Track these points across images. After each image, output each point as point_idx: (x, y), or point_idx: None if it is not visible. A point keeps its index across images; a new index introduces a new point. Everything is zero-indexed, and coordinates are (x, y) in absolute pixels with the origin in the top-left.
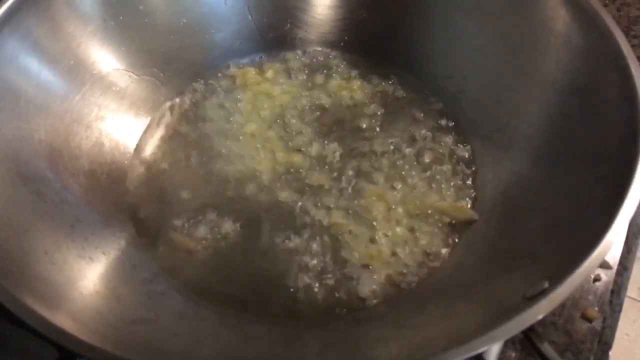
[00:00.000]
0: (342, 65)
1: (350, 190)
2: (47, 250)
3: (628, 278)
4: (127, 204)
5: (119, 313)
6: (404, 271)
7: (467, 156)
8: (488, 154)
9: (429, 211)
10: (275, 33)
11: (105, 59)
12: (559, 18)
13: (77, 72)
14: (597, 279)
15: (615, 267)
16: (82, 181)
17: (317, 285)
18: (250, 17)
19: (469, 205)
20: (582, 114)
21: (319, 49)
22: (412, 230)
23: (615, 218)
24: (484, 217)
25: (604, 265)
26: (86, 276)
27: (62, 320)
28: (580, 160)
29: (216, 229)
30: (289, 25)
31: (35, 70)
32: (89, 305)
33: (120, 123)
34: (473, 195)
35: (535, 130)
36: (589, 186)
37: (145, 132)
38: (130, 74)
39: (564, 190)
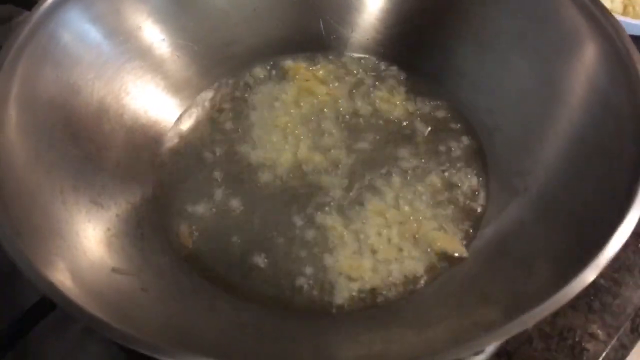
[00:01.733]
0: (392, 79)
1: (355, 199)
2: (64, 189)
3: (624, 356)
4: (154, 168)
5: (103, 261)
6: (379, 288)
7: (481, 194)
8: (501, 196)
9: (423, 237)
10: (337, 35)
11: (166, 34)
12: (604, 75)
13: (135, 45)
14: (585, 348)
15: (611, 342)
16: (121, 136)
17: (296, 281)
18: (319, 16)
19: (464, 242)
20: (596, 178)
21: (375, 59)
22: (400, 251)
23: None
24: (474, 257)
25: (594, 336)
26: (90, 220)
27: (52, 264)
28: (577, 222)
29: (220, 205)
30: (352, 30)
31: (94, 38)
32: (80, 247)
33: (167, 94)
34: (471, 232)
35: (550, 183)
36: (574, 248)
37: (190, 106)
38: (187, 48)
39: (553, 248)
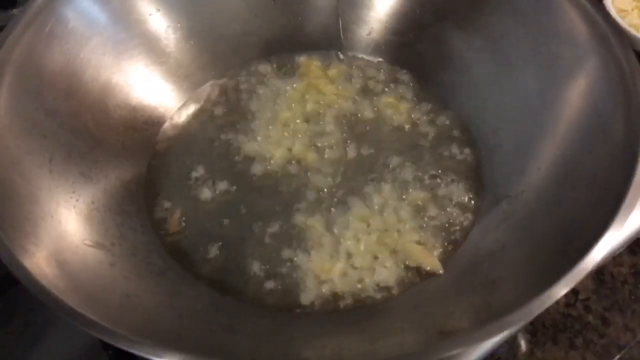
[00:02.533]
0: (403, 85)
1: (341, 202)
2: (54, 158)
3: None
4: (151, 151)
5: (78, 232)
6: (346, 293)
7: (469, 212)
8: (488, 217)
9: (401, 249)
10: (354, 36)
11: (177, 23)
12: (605, 101)
13: (144, 31)
14: None
15: None
16: (122, 116)
17: (267, 276)
18: (338, 15)
19: (442, 257)
20: (579, 209)
21: (388, 63)
22: (375, 259)
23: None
24: (448, 274)
25: None
26: (75, 191)
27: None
28: (551, 249)
29: (208, 193)
30: (369, 33)
31: (102, 22)
32: (56, 215)
33: (174, 81)
34: (450, 249)
35: (537, 209)
36: (541, 273)
37: (195, 95)
38: (199, 38)
39: (523, 272)
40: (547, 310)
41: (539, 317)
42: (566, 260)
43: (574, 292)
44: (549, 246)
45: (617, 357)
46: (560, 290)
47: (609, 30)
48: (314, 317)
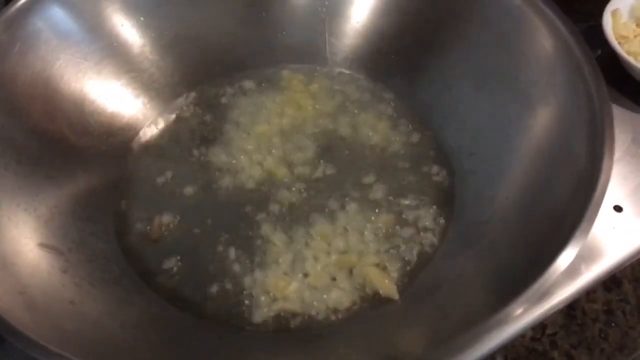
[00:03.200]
0: (383, 103)
1: (304, 219)
2: (21, 160)
3: None
4: (123, 160)
5: (34, 234)
6: (298, 312)
7: (434, 239)
8: (454, 245)
9: (359, 271)
10: (338, 52)
11: (164, 32)
12: (573, 130)
13: (123, 40)
14: None
15: None
16: (100, 119)
17: (221, 291)
18: (325, 32)
19: (400, 282)
20: (539, 240)
21: (371, 81)
22: (332, 280)
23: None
24: (404, 300)
25: None
26: (38, 194)
27: None
28: (503, 280)
29: (176, 204)
30: (353, 50)
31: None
32: (14, 217)
33: (150, 91)
34: (410, 274)
35: (500, 238)
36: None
37: (173, 105)
38: (184, 48)
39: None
40: (512, 343)
41: (502, 350)
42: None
43: (541, 326)
44: (506, 276)
45: None
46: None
47: (583, 59)
48: (263, 336)
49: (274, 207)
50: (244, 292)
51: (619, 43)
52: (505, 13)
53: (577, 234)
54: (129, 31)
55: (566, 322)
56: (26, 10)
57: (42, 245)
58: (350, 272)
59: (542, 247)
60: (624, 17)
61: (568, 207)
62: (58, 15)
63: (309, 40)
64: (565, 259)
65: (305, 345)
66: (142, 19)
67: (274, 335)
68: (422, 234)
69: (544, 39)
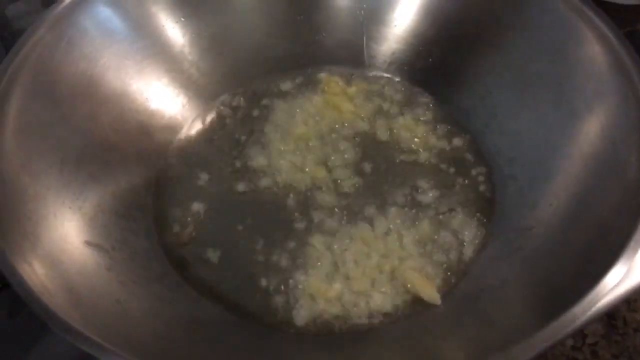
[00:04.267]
0: (421, 108)
1: (345, 223)
2: (65, 159)
3: None
4: (163, 158)
5: (79, 232)
6: (340, 316)
7: (475, 245)
8: (494, 251)
9: (400, 276)
10: (377, 55)
11: (196, 34)
12: (621, 137)
13: (165, 40)
14: None
15: None
16: (140, 119)
17: (263, 292)
18: (363, 35)
19: (442, 288)
20: (587, 248)
21: (409, 84)
22: (372, 284)
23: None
24: (446, 306)
25: None
26: (82, 192)
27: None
28: (553, 289)
29: (215, 205)
30: (392, 53)
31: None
32: (60, 215)
33: (190, 92)
34: (451, 281)
35: (545, 245)
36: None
37: (212, 105)
38: (224, 49)
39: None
40: (552, 352)
41: (541, 357)
42: (567, 301)
43: (581, 335)
44: (552, 287)
45: None
46: (560, 330)
47: (632, 67)
48: (305, 339)
49: (313, 210)
50: (287, 294)
51: None
52: (550, 19)
53: (628, 249)
54: (170, 32)
55: (607, 331)
56: (73, 8)
57: (88, 243)
58: (392, 276)
59: (589, 259)
60: None
61: (616, 217)
62: (104, 14)
63: (347, 43)
64: (614, 275)
65: (348, 349)
66: (182, 19)
67: (315, 338)
68: (462, 239)
69: (590, 45)
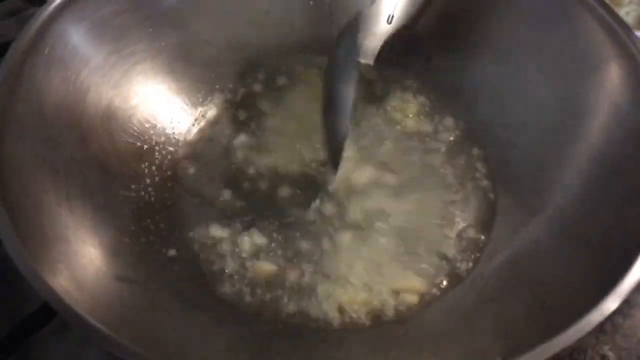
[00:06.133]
0: (407, 91)
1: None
2: (70, 195)
3: None
4: (164, 175)
5: (108, 268)
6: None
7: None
8: (514, 216)
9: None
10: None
11: (176, 37)
12: (625, 96)
13: (145, 47)
14: None
15: None
16: (128, 138)
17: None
18: (332, 21)
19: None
20: (616, 201)
21: (389, 67)
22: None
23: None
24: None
25: (605, 358)
26: (96, 225)
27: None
28: (595, 248)
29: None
30: (366, 38)
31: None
32: (87, 254)
33: (177, 97)
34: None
35: (568, 204)
36: (590, 278)
37: (201, 111)
38: (198, 51)
39: (565, 273)
40: None
41: None
42: (615, 261)
43: None
44: (590, 246)
45: None
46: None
47: (626, 37)
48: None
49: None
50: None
51: None
52: None
53: None
54: (150, 38)
55: None
56: (55, 16)
57: (119, 277)
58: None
59: (624, 221)
60: None
61: None
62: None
63: (317, 32)
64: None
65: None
66: (150, 30)
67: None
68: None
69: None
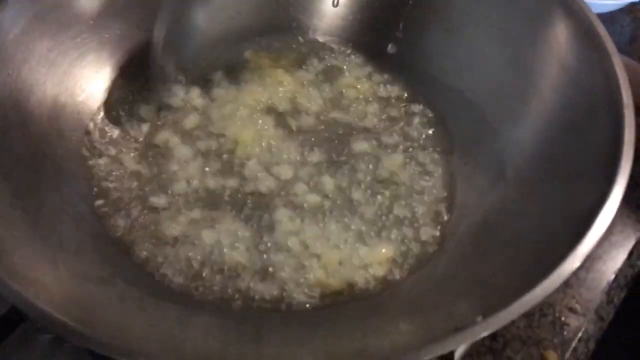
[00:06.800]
0: (357, 66)
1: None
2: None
3: (602, 329)
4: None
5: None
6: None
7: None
8: (474, 180)
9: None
10: (298, 22)
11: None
12: (574, 54)
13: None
14: (565, 323)
15: (589, 315)
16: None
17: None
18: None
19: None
20: (573, 158)
21: (337, 44)
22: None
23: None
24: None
25: (573, 310)
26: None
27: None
28: (556, 206)
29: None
30: (311, 16)
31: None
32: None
33: None
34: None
35: (526, 163)
36: (554, 238)
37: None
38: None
39: (533, 230)
40: None
41: None
42: (577, 218)
43: None
44: (551, 204)
45: (607, 287)
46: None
47: None
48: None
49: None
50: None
51: None
52: None
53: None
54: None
55: None
56: None
57: (88, 277)
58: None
59: (582, 177)
60: None
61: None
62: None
63: (264, 16)
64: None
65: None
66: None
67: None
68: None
69: None
